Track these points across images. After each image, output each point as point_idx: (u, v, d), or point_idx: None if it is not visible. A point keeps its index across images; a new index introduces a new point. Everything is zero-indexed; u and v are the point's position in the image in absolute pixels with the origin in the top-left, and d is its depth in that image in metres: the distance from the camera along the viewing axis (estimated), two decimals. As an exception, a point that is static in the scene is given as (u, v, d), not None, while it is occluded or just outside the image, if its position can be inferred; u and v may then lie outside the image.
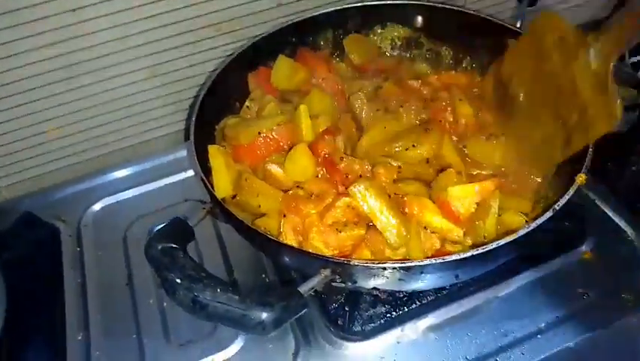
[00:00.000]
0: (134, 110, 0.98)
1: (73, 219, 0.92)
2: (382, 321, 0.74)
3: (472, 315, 0.74)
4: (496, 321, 0.73)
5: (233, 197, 0.74)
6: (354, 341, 0.73)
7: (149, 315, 0.79)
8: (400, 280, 0.61)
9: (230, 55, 0.88)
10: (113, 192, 0.96)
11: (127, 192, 0.96)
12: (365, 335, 0.73)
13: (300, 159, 0.74)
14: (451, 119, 0.81)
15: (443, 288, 0.75)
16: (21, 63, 0.84)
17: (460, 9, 0.90)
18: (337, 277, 0.61)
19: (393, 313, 0.74)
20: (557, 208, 0.62)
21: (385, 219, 0.66)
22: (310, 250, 0.66)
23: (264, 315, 0.54)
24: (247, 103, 0.87)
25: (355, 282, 0.63)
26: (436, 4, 0.93)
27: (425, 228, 0.68)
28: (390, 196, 0.69)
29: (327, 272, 0.60)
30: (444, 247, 0.68)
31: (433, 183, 0.72)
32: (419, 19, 0.94)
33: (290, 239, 0.68)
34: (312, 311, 0.76)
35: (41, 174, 0.98)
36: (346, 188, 0.69)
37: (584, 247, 0.81)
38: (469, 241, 0.68)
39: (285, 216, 0.69)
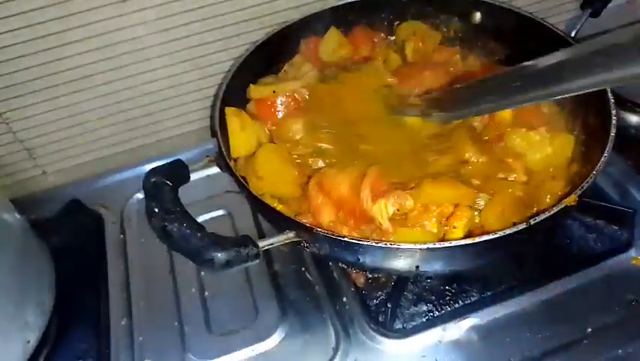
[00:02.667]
0: (177, 101, 0.99)
1: (116, 206, 0.94)
2: (424, 319, 0.73)
3: (516, 317, 0.72)
4: (541, 324, 0.71)
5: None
6: (395, 338, 0.72)
7: (190, 304, 0.80)
8: (360, 255, 0.62)
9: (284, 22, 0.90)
10: (156, 182, 0.97)
11: (169, 181, 0.97)
12: (406, 333, 0.72)
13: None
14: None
15: (488, 288, 0.74)
16: (69, 53, 0.86)
17: (517, 10, 0.87)
18: (303, 241, 0.64)
19: (436, 312, 0.74)
20: (532, 224, 0.59)
21: None
22: (282, 211, 0.68)
23: (215, 254, 0.60)
24: (285, 67, 0.89)
25: (320, 249, 0.65)
26: (494, 2, 0.90)
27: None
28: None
29: (290, 234, 0.64)
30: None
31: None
32: (477, 15, 0.92)
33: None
34: (352, 307, 0.76)
35: (86, 161, 1.01)
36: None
37: (632, 252, 0.78)
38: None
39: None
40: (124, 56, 0.89)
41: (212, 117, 0.79)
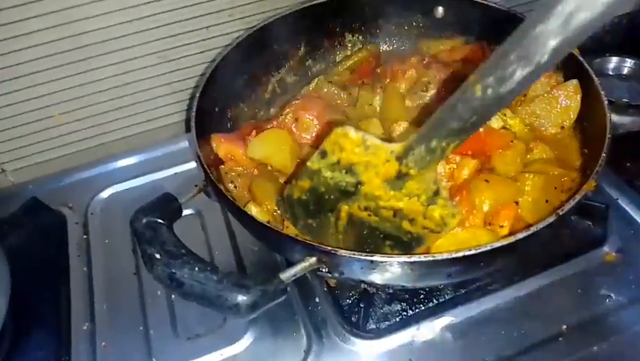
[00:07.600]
0: (143, 96, 0.95)
1: (80, 206, 0.91)
2: (397, 319, 0.72)
3: (491, 315, 0.71)
4: (516, 322, 0.70)
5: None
6: (368, 338, 0.70)
7: (156, 307, 0.77)
8: (389, 274, 0.58)
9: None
10: (122, 180, 0.94)
11: (135, 180, 0.94)
12: (379, 333, 0.71)
13: None
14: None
15: (462, 286, 0.73)
16: (28, 44, 0.82)
17: (482, 1, 0.87)
18: (323, 266, 0.59)
19: (409, 311, 0.72)
20: (561, 214, 0.58)
21: None
22: (298, 237, 0.62)
23: (240, 298, 0.54)
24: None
25: (342, 273, 0.60)
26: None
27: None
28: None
29: (312, 260, 0.58)
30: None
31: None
32: (439, 9, 0.91)
33: None
34: (325, 307, 0.73)
35: (49, 159, 0.96)
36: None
37: (606, 248, 0.78)
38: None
39: None
40: (90, 47, 0.85)
41: (192, 140, 0.71)
